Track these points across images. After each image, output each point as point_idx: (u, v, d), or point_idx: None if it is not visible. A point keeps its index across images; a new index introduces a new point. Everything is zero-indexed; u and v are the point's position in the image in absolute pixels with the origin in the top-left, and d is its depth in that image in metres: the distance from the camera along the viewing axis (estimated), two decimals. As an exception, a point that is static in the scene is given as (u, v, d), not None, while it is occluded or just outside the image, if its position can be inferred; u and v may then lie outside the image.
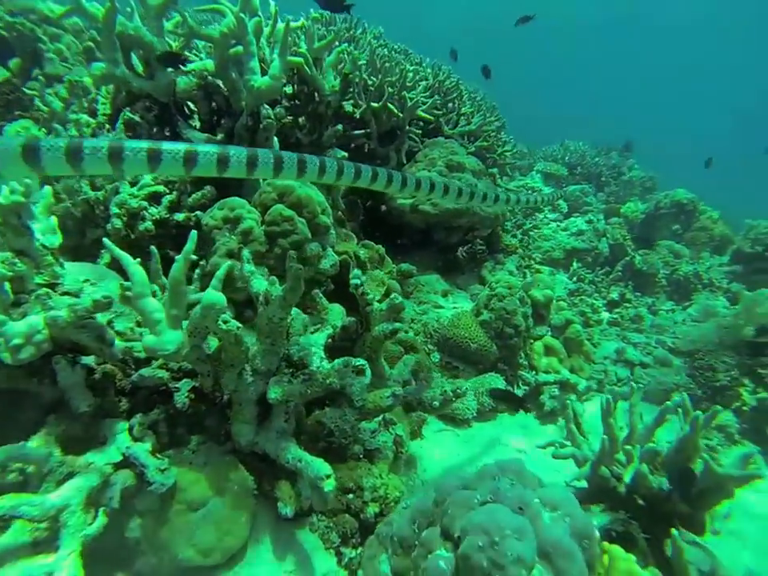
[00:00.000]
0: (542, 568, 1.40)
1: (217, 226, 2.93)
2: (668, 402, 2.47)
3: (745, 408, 3.78)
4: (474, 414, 3.69)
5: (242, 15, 2.93)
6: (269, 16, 3.33)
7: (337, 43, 4.13)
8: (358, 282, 2.77)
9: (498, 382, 3.82)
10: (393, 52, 5.26)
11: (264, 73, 3.21)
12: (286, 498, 2.11)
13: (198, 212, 3.16)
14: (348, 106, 4.34)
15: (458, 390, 2.56)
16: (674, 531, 1.87)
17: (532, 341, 4.34)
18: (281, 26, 3.70)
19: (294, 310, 2.32)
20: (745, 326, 3.98)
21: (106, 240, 1.89)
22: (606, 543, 1.58)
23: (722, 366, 3.97)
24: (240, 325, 2.01)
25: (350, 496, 2.35)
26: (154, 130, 3.26)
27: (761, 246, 5.67)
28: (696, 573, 1.82)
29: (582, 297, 5.34)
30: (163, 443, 2.18)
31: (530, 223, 6.11)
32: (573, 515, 1.57)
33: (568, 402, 3.20)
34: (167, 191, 3.21)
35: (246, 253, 2.25)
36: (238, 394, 2.19)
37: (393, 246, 4.89)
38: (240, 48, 3.06)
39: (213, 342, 2.14)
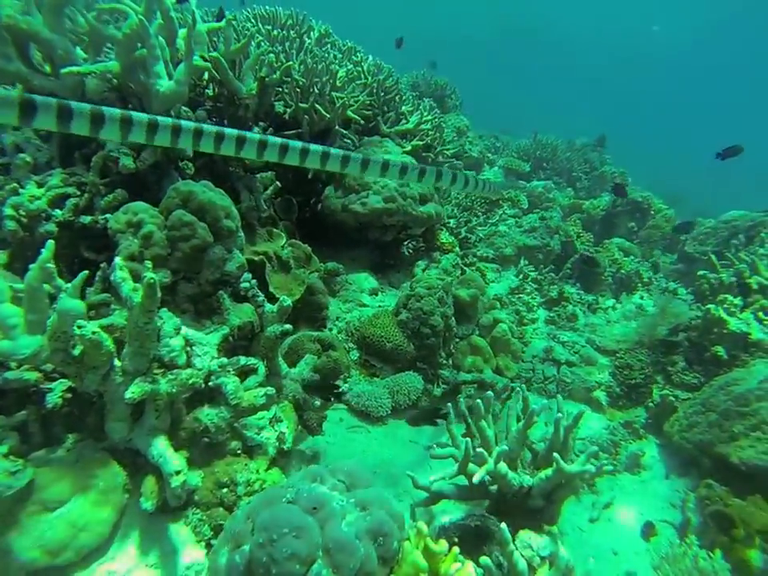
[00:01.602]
0: (321, 562, 1.50)
1: (120, 229, 3.00)
2: (534, 406, 2.56)
3: (651, 404, 3.88)
4: (389, 412, 3.80)
5: (142, 17, 2.96)
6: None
7: (264, 45, 4.17)
8: (248, 285, 2.85)
9: (415, 380, 3.92)
10: (336, 51, 5.29)
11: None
12: (148, 493, 2.21)
13: (108, 215, 3.23)
14: (279, 107, 4.39)
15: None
16: (501, 526, 1.98)
17: (458, 339, 4.44)
18: (201, 26, 3.75)
19: (167, 314, 2.40)
20: (660, 326, 4.08)
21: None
22: (407, 539, 1.68)
23: (638, 363, 4.07)
24: (97, 329, 2.08)
25: (224, 490, 2.45)
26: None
27: (699, 246, 5.75)
28: (522, 560, 1.92)
29: (520, 295, 5.42)
30: (35, 443, 2.28)
31: (476, 220, 6.16)
32: (374, 515, 1.67)
33: (460, 400, 3.29)
34: (77, 193, 3.28)
35: (118, 260, 2.32)
36: (107, 394, 2.29)
37: (332, 244, 4.98)
38: (144, 51, 3.10)
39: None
